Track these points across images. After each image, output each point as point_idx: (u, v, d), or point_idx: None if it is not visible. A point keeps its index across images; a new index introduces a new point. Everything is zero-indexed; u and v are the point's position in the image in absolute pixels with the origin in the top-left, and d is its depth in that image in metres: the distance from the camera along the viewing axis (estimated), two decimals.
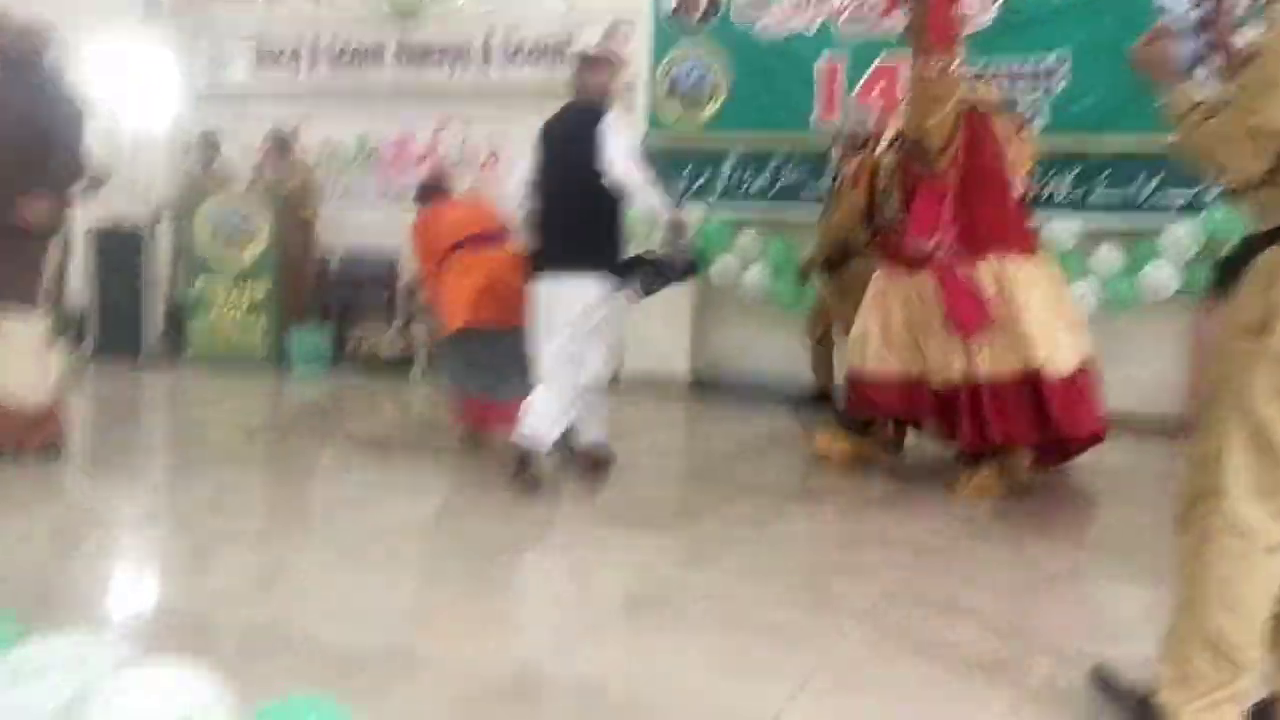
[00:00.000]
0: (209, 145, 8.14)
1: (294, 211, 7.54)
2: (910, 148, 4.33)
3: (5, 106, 4.01)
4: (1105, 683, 2.30)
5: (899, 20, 4.46)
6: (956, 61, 4.14)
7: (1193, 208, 6.05)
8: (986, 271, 4.24)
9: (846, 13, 6.71)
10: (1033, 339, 4.13)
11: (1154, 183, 6.13)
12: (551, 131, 4.19)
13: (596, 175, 3.94)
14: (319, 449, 5.07)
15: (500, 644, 2.62)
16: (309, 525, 3.84)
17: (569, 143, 4.06)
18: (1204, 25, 2.31)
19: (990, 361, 4.17)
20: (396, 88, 8.32)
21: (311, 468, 4.71)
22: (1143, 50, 2.22)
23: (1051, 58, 6.30)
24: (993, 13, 6.38)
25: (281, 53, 8.63)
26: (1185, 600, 2.05)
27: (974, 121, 4.28)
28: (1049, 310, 4.25)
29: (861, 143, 5.41)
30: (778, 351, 7.19)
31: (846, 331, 4.98)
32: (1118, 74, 6.10)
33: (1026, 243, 4.42)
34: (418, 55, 8.22)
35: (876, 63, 6.64)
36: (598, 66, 4.27)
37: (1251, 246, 2.03)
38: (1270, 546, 1.97)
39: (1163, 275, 6.06)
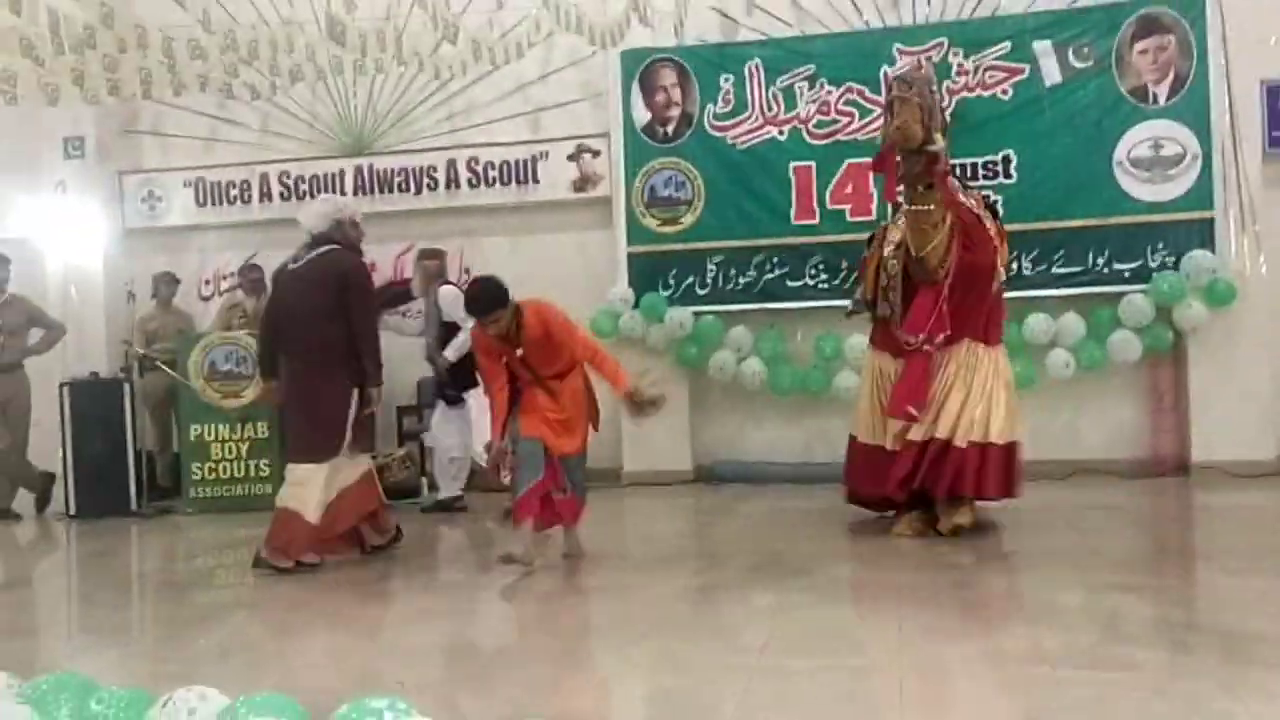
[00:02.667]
0: (168, 283, 7.93)
1: None
2: (914, 262, 5.02)
3: None
4: None
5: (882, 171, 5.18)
6: (952, 186, 4.86)
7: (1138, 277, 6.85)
8: (955, 355, 5.03)
9: (813, 121, 7.30)
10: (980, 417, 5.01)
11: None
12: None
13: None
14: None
15: None
16: None
17: None
18: None
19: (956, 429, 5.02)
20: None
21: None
22: None
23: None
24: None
25: (228, 187, 8.51)
26: None
27: (967, 228, 4.97)
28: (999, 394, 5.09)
29: (868, 240, 5.82)
30: (772, 437, 7.59)
31: None
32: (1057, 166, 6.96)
33: (996, 333, 5.22)
34: (377, 183, 8.29)
35: (846, 164, 7.24)
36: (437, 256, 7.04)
37: None
38: None
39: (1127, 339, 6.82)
